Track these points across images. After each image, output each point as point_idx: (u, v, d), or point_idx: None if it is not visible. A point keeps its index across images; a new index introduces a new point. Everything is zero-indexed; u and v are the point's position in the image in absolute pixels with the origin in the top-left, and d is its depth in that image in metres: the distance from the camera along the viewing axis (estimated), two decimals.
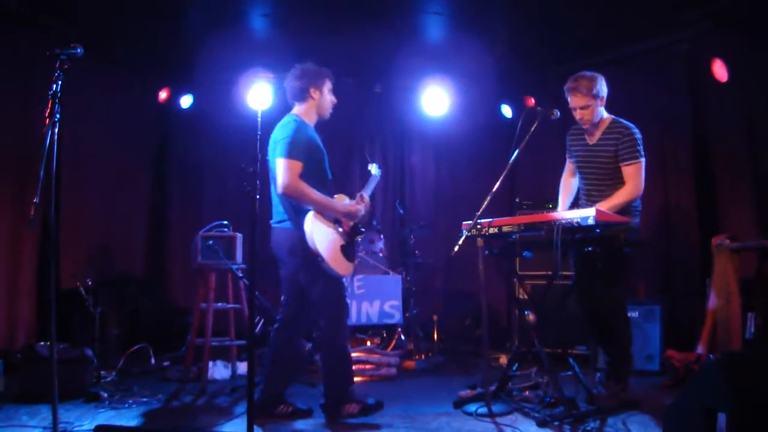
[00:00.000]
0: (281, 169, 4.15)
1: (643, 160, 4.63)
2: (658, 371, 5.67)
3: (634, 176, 4.59)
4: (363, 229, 4.59)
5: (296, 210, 4.25)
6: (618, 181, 4.66)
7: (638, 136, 4.66)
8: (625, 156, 4.61)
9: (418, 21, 6.88)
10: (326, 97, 4.58)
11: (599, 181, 4.77)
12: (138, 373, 5.92)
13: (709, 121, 6.48)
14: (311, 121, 4.52)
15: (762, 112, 5.80)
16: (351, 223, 4.51)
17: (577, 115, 4.74)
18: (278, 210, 4.39)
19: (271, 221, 4.45)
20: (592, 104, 4.65)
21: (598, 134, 4.78)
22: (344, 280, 4.41)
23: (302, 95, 4.49)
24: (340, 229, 4.39)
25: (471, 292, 7.69)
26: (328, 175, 4.49)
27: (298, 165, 4.17)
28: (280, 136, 4.27)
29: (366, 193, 4.71)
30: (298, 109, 4.52)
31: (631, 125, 4.70)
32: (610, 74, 7.01)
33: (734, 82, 6.08)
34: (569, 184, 5.13)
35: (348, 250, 4.37)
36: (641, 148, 4.64)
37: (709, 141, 6.48)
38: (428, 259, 7.44)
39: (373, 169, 4.99)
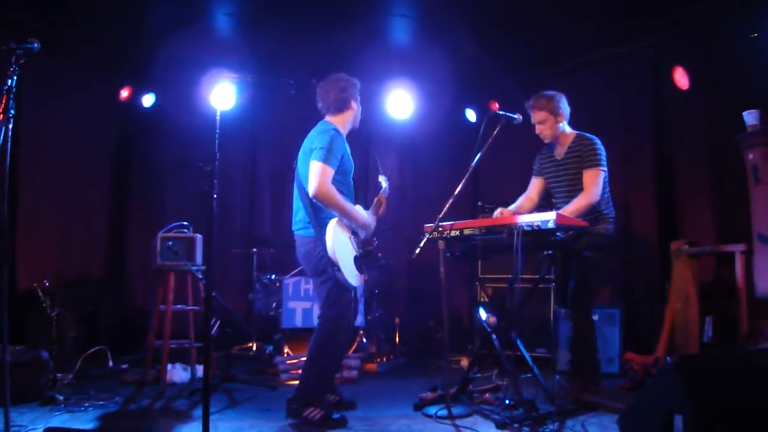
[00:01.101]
0: (315, 173, 4.18)
1: (604, 169, 4.77)
2: (618, 374, 5.72)
3: (592, 182, 4.72)
4: (376, 240, 4.63)
5: (318, 216, 4.31)
6: None
7: (600, 146, 4.84)
8: (586, 163, 4.77)
9: (384, 23, 6.86)
10: (359, 108, 4.70)
11: (566, 194, 4.90)
12: (95, 376, 5.81)
13: (670, 127, 6.56)
14: (345, 131, 4.58)
15: (722, 119, 5.88)
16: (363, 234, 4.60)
17: (537, 130, 5.00)
18: (300, 217, 4.45)
19: (293, 229, 4.53)
20: (550, 120, 4.91)
21: (564, 149, 4.98)
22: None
23: (343, 106, 4.57)
24: (356, 240, 4.45)
25: (433, 295, 7.62)
26: (353, 191, 4.57)
27: (331, 171, 4.23)
28: (318, 143, 4.30)
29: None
30: (333, 118, 4.58)
31: (595, 137, 4.89)
32: (575, 80, 7.20)
33: (695, 89, 6.17)
34: (530, 198, 5.24)
35: (359, 261, 4.40)
36: (603, 158, 4.80)
37: (670, 147, 6.56)
38: (391, 262, 7.44)
39: (383, 181, 5.00)
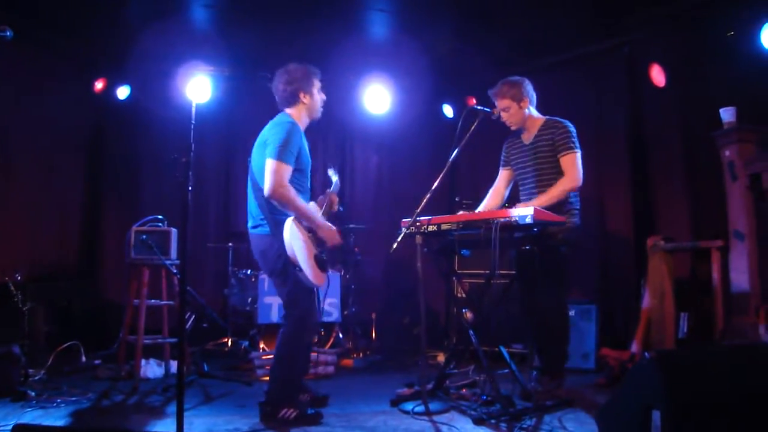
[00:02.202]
0: (270, 171, 4.04)
1: (578, 151, 4.71)
2: (594, 369, 5.75)
3: (572, 166, 4.66)
4: (353, 235, 4.53)
5: (274, 214, 4.16)
6: (557, 177, 4.71)
7: (572, 129, 4.77)
8: (561, 147, 4.70)
9: (362, 17, 6.85)
10: (316, 99, 4.52)
11: (540, 177, 4.81)
12: (68, 371, 5.73)
13: (646, 125, 6.60)
14: (303, 124, 4.45)
15: (697, 117, 5.91)
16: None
17: (502, 118, 4.91)
18: (254, 214, 4.31)
19: (248, 225, 4.38)
20: (513, 107, 4.84)
21: (533, 133, 4.89)
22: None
23: (292, 100, 4.43)
24: (315, 238, 4.28)
25: (410, 291, 7.66)
26: (308, 184, 4.42)
27: (288, 169, 4.08)
28: (272, 137, 4.17)
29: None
30: (289, 111, 4.44)
31: (566, 120, 4.82)
32: (551, 78, 7.21)
33: (671, 87, 6.20)
34: (498, 190, 5.20)
35: (320, 260, 4.24)
36: (576, 140, 4.74)
37: (645, 144, 6.59)
38: (368, 257, 7.42)
39: (333, 175, 4.92)
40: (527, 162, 4.91)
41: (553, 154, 4.74)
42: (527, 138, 4.93)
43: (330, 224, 4.41)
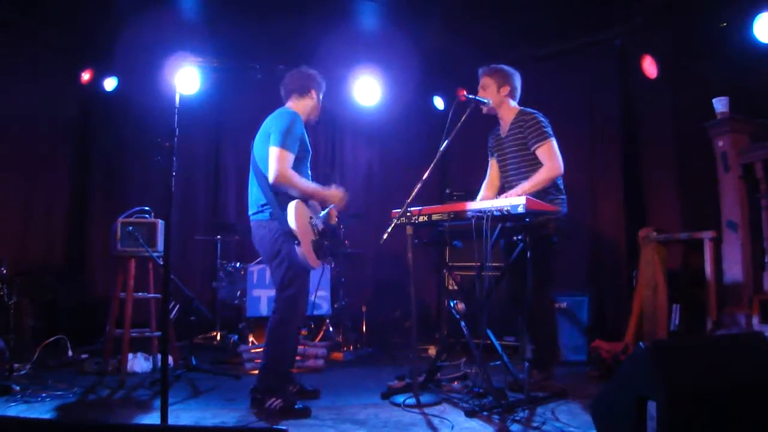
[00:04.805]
0: (274, 158, 4.19)
1: (552, 139, 4.68)
2: (585, 361, 5.72)
3: (549, 155, 4.64)
4: (342, 228, 4.57)
5: (278, 197, 4.25)
6: (535, 167, 4.69)
7: (541, 118, 4.75)
8: (533, 140, 4.69)
9: (352, 7, 6.82)
10: (318, 101, 4.70)
11: (517, 170, 4.82)
12: (54, 365, 5.67)
13: (637, 116, 6.59)
14: (305, 116, 4.57)
15: (689, 107, 5.90)
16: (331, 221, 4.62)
17: (479, 94, 4.89)
18: (257, 200, 4.39)
19: (249, 213, 4.48)
20: (492, 87, 4.85)
21: (507, 126, 4.90)
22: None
23: (303, 90, 4.60)
24: (315, 227, 4.35)
25: (401, 283, 7.61)
26: (308, 173, 4.52)
27: (291, 156, 4.23)
28: (276, 125, 4.30)
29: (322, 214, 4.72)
30: (293, 104, 4.60)
31: (534, 111, 4.80)
32: (543, 69, 7.17)
33: (663, 78, 6.18)
34: (492, 182, 5.16)
35: (317, 245, 4.30)
36: (548, 128, 4.71)
37: (637, 135, 6.58)
38: (358, 250, 7.37)
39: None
40: (506, 153, 4.91)
41: (524, 148, 4.74)
42: (503, 130, 4.95)
43: (334, 189, 4.54)
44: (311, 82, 4.62)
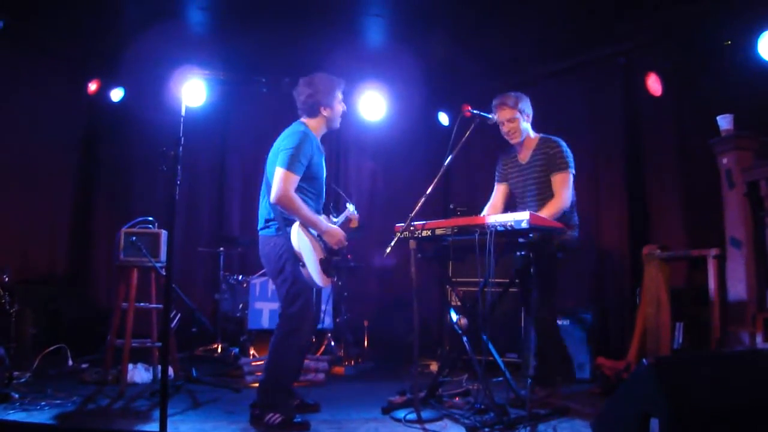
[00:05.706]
0: (278, 179, 4.11)
1: (572, 171, 4.71)
2: (589, 379, 5.70)
3: (562, 186, 4.66)
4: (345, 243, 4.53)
5: (284, 214, 4.21)
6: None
7: (566, 149, 4.77)
8: (554, 168, 4.71)
9: (358, 23, 6.83)
10: (336, 111, 4.54)
11: (536, 197, 4.81)
12: (54, 374, 5.66)
13: (642, 133, 6.58)
14: (319, 133, 4.50)
15: (693, 125, 5.90)
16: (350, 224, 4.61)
17: (504, 128, 4.87)
18: (264, 216, 4.36)
19: (258, 227, 4.44)
20: (518, 118, 4.81)
21: (528, 153, 4.89)
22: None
23: (312, 111, 4.46)
24: (322, 244, 4.34)
25: (404, 298, 7.60)
26: (323, 194, 4.50)
27: (295, 179, 4.15)
28: (284, 145, 4.23)
29: (337, 221, 4.71)
30: (306, 120, 4.48)
31: (559, 139, 4.82)
32: (547, 86, 7.18)
33: (667, 95, 6.18)
34: (495, 206, 5.15)
35: (326, 264, 4.29)
36: (571, 160, 4.74)
37: (641, 152, 6.57)
38: (361, 264, 7.35)
39: (350, 207, 4.98)
40: (527, 181, 4.89)
41: (546, 176, 4.74)
42: (523, 157, 4.93)
43: (334, 226, 4.47)
44: (317, 99, 4.42)
